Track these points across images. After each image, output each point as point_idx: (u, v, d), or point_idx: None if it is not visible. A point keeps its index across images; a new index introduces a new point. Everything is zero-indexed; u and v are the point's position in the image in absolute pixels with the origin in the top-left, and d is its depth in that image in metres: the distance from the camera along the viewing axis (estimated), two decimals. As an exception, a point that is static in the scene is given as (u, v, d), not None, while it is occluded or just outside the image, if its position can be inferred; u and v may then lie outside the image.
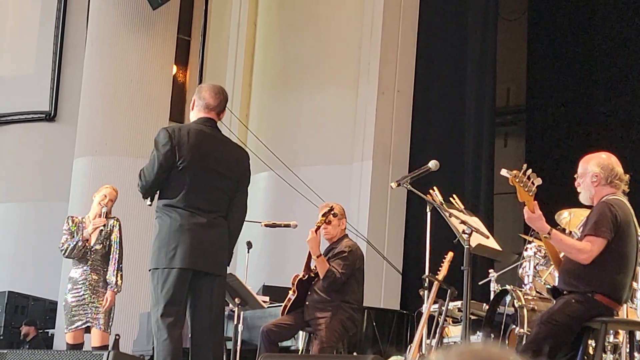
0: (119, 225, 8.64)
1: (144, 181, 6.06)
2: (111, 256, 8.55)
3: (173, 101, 13.94)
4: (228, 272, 6.57)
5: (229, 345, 8.38)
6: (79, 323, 8.43)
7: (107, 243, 8.57)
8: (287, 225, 8.99)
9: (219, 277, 6.11)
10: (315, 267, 7.88)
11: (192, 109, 6.27)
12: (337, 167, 12.95)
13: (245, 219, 6.36)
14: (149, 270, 6.03)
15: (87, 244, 8.49)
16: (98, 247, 8.52)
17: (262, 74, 14.40)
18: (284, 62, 13.83)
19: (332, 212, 7.85)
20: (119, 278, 8.48)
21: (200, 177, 6.04)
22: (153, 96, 13.42)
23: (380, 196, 12.62)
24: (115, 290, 8.45)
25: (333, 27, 13.43)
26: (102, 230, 8.56)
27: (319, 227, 7.77)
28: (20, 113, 16.10)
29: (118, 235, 8.60)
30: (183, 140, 6.03)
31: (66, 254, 8.54)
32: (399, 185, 7.02)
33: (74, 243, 8.44)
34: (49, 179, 15.55)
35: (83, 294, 8.43)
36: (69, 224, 8.65)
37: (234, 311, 8.28)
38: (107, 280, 8.48)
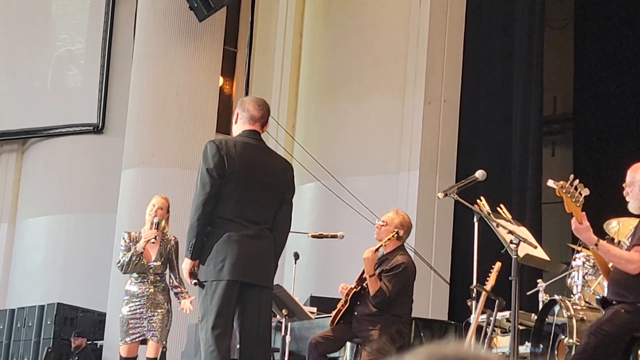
0: (177, 245, 8.60)
1: (199, 199, 6.00)
2: (173, 273, 8.53)
3: (220, 112, 14.00)
4: (275, 283, 6.56)
5: (277, 356, 8.39)
6: (135, 336, 8.35)
7: (166, 260, 8.53)
8: (334, 236, 8.96)
9: (266, 288, 6.12)
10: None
11: (235, 122, 6.26)
12: (384, 177, 12.93)
13: (292, 230, 6.37)
14: (198, 282, 6.04)
15: (142, 258, 8.43)
16: (157, 263, 8.45)
17: (308, 84, 14.43)
18: (330, 72, 13.85)
19: (397, 236, 7.74)
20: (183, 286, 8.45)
21: (248, 189, 6.05)
22: (200, 107, 13.49)
23: (427, 206, 12.58)
24: (189, 295, 8.39)
25: (379, 37, 13.43)
26: (160, 246, 8.47)
27: (377, 249, 7.65)
28: (68, 126, 16.26)
29: (175, 256, 8.55)
30: (231, 151, 6.03)
31: (122, 270, 8.48)
32: (446, 195, 6.99)
33: (128, 258, 8.37)
34: (97, 190, 15.66)
35: (140, 308, 8.39)
36: (125, 240, 8.55)
37: (281, 322, 8.27)
38: (176, 293, 8.48)
